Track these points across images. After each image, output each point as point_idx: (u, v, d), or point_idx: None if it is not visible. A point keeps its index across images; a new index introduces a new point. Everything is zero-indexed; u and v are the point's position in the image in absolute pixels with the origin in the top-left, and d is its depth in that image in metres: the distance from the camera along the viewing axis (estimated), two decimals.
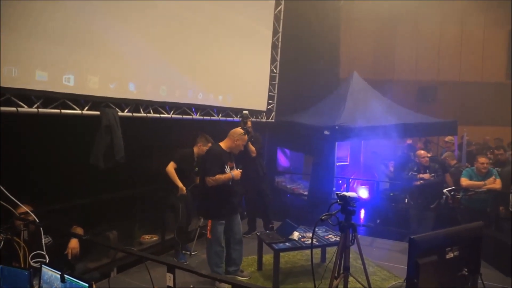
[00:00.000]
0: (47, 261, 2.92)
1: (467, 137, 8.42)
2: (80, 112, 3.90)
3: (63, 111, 3.72)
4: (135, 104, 4.57)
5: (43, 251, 2.99)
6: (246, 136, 4.09)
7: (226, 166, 3.91)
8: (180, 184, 4.63)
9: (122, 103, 4.40)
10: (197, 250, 5.04)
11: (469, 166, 5.75)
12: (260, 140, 5.66)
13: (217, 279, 2.01)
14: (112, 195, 5.02)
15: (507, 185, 4.86)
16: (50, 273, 2.38)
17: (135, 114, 4.55)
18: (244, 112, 5.44)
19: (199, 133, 4.95)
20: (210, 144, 4.60)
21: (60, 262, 3.29)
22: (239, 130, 4.07)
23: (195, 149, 4.79)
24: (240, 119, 5.49)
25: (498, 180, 4.92)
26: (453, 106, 11.30)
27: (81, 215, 4.41)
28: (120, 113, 4.29)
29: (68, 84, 3.67)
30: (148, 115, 4.74)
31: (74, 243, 3.42)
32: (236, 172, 3.95)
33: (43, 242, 3.03)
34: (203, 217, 4.23)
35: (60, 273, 2.29)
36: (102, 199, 4.87)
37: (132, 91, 4.46)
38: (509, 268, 4.58)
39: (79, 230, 3.55)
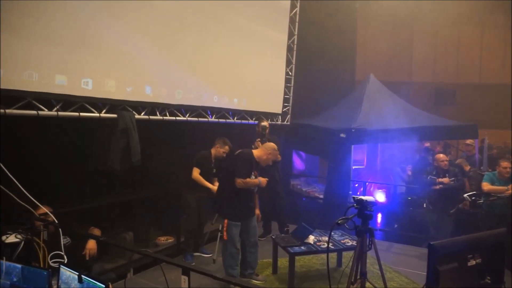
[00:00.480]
0: (65, 262, 2.97)
1: (488, 140, 8.19)
2: (98, 115, 3.97)
3: (81, 114, 3.78)
4: (152, 107, 4.63)
5: (62, 251, 3.04)
6: (278, 153, 4.17)
7: (252, 173, 3.98)
8: (210, 185, 4.71)
9: (138, 106, 4.46)
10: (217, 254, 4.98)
11: (490, 170, 5.58)
12: (279, 144, 5.68)
13: (231, 283, 2.00)
14: (128, 197, 5.09)
15: None
16: (68, 274, 2.40)
17: (151, 117, 4.61)
18: (262, 123, 5.46)
19: (216, 135, 4.98)
20: (227, 147, 4.75)
21: (78, 262, 3.34)
22: (274, 145, 4.14)
23: (213, 151, 4.84)
24: (257, 128, 5.56)
25: None
26: (472, 109, 11.02)
27: (98, 217, 4.49)
28: (136, 116, 4.35)
29: (87, 87, 3.75)
30: (164, 118, 4.79)
31: (91, 244, 3.46)
32: (263, 180, 4.06)
33: (62, 242, 3.08)
34: (219, 214, 4.26)
35: (77, 273, 2.31)
36: (118, 201, 4.94)
37: (148, 94, 4.51)
38: None
39: (97, 231, 3.59)
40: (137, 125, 4.30)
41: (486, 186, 4.89)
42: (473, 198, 4.73)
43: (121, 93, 4.15)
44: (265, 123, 5.42)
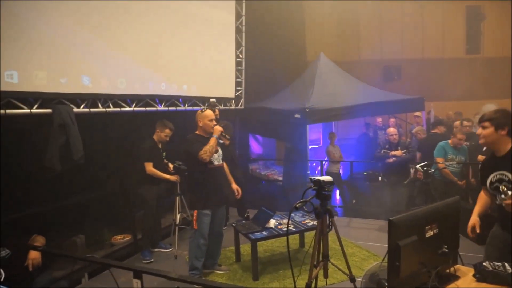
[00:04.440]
0: (2, 277, 2.68)
1: (433, 112, 8.59)
2: (29, 111, 3.56)
3: (8, 111, 3.36)
4: (92, 99, 4.25)
5: None
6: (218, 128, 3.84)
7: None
8: (167, 176, 4.58)
9: (76, 98, 4.07)
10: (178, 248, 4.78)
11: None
12: (230, 128, 5.51)
13: (187, 282, 1.85)
14: (76, 197, 4.73)
15: (475, 157, 4.93)
16: None
17: (92, 110, 4.24)
18: (211, 100, 5.26)
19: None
20: (167, 130, 4.61)
21: (21, 275, 3.04)
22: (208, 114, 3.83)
23: (155, 137, 4.66)
24: (207, 107, 5.32)
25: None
26: (417, 83, 11.51)
27: (43, 222, 4.12)
28: (75, 110, 3.98)
29: (11, 81, 3.32)
30: (108, 109, 4.44)
31: (34, 254, 3.15)
32: (218, 128, 3.75)
33: None
34: (188, 207, 4.05)
35: None
36: (66, 203, 4.58)
37: (87, 85, 4.13)
38: (481, 237, 4.69)
39: (40, 239, 3.28)
40: (77, 119, 3.93)
41: (439, 160, 5.05)
42: (425, 168, 4.89)
43: (54, 86, 3.74)
44: (213, 99, 5.24)
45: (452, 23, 12.08)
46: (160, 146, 4.68)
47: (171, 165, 4.77)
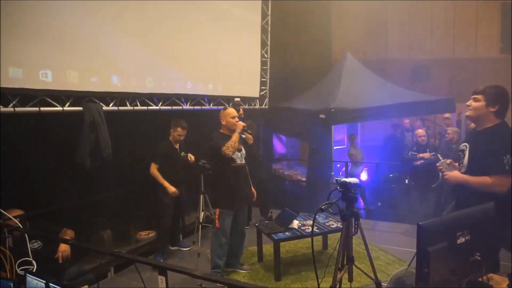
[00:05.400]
0: (34, 268, 2.78)
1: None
2: (61, 108, 3.69)
3: (42, 108, 3.50)
4: (121, 98, 4.37)
5: (30, 258, 2.84)
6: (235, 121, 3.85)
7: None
8: (166, 184, 4.41)
9: (106, 97, 4.19)
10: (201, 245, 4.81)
11: None
12: (254, 127, 5.51)
13: (211, 280, 1.86)
14: (104, 193, 4.87)
15: None
16: (35, 282, 2.24)
17: (121, 108, 4.35)
18: (236, 99, 5.28)
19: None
20: (179, 128, 4.50)
21: (51, 267, 3.16)
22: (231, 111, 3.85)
23: (171, 138, 4.59)
24: (231, 106, 5.33)
25: None
26: (448, 83, 11.13)
27: (73, 217, 4.26)
28: (104, 108, 4.09)
29: (46, 79, 3.46)
30: (135, 108, 4.54)
31: (64, 247, 3.27)
32: (240, 124, 3.75)
33: (29, 248, 2.88)
34: (212, 205, 4.08)
35: (44, 281, 2.15)
36: (94, 198, 4.72)
37: (116, 84, 4.24)
38: None
39: (70, 233, 3.40)
40: (106, 117, 4.05)
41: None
42: None
43: (85, 84, 3.87)
44: (238, 99, 5.22)
45: (486, 21, 11.59)
46: (177, 146, 4.60)
47: (191, 156, 4.70)
